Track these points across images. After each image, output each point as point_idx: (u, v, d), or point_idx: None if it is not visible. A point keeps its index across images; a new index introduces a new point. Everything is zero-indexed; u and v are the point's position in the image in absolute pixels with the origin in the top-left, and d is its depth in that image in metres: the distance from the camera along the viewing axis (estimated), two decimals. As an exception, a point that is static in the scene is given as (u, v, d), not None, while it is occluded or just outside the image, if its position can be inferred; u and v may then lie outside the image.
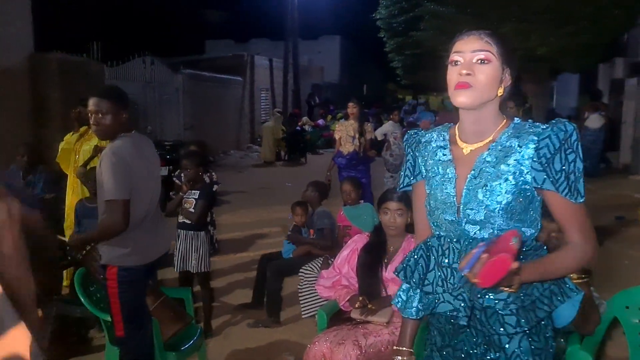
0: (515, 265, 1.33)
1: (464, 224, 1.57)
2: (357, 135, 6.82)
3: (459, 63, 1.55)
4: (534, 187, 1.52)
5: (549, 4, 9.41)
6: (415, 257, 1.70)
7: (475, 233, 1.56)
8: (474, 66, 1.52)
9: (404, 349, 1.79)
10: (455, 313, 1.59)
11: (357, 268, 3.11)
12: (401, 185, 1.81)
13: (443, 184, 1.63)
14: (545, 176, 1.48)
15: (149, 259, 2.90)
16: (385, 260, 3.06)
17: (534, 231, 1.57)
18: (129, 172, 2.72)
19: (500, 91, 1.56)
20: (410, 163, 1.77)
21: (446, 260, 1.63)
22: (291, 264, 4.54)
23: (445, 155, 1.67)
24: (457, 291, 1.57)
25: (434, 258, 1.66)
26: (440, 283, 1.62)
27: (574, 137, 1.49)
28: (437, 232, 1.67)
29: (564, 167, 1.47)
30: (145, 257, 2.87)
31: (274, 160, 15.39)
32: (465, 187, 1.58)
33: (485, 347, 1.59)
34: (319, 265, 4.31)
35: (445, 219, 1.61)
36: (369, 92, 32.41)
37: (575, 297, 1.60)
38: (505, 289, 1.42)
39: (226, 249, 6.42)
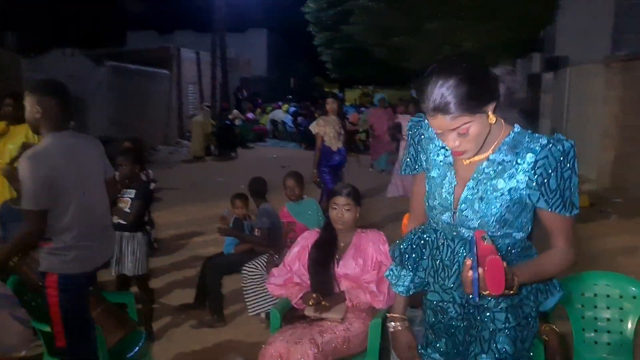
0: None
1: (459, 228, 1.63)
2: (342, 131, 6.78)
3: (440, 133, 1.52)
4: (530, 203, 1.58)
5: (475, 2, 9.75)
6: (412, 244, 1.77)
7: (469, 236, 1.61)
8: (458, 138, 1.50)
9: (397, 315, 1.88)
10: (443, 304, 1.70)
11: (308, 265, 3.09)
12: (402, 171, 1.85)
13: (442, 187, 1.66)
14: (540, 195, 1.54)
15: (91, 267, 2.76)
16: (337, 256, 3.05)
17: (523, 234, 1.64)
18: (50, 180, 2.53)
19: (492, 119, 1.51)
20: (412, 155, 1.78)
21: (440, 255, 1.70)
22: (233, 262, 4.45)
23: (447, 157, 1.68)
24: (447, 287, 1.68)
25: (429, 249, 1.74)
26: (432, 274, 1.72)
27: (571, 154, 1.51)
28: (434, 226, 1.74)
29: (559, 186, 1.52)
30: (87, 265, 2.72)
31: (204, 156, 15.08)
32: (462, 195, 1.61)
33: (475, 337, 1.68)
34: (264, 262, 4.25)
35: (442, 220, 1.67)
36: (297, 86, 32.41)
37: (557, 294, 1.69)
38: (508, 292, 1.45)
39: (162, 248, 6.23)
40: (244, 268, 4.22)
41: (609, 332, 2.72)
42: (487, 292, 1.38)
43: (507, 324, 1.61)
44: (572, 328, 2.77)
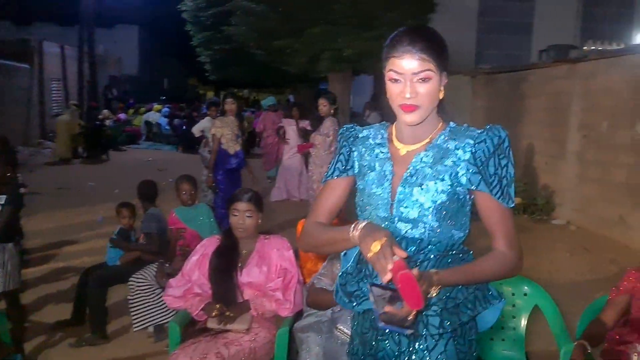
0: (415, 272, 1.35)
1: (396, 222, 1.56)
2: (240, 133, 6.51)
3: (399, 82, 1.52)
4: (468, 189, 1.55)
5: (353, 10, 10.01)
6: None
7: (406, 232, 1.56)
8: (415, 85, 1.50)
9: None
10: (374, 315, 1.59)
11: (209, 274, 2.93)
12: (328, 176, 1.73)
13: (379, 181, 1.62)
14: (480, 177, 1.52)
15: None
16: (240, 264, 2.93)
17: (462, 235, 1.59)
18: None
19: (441, 94, 1.56)
20: (344, 156, 1.72)
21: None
22: (118, 272, 4.13)
23: (383, 153, 1.65)
24: None
25: (358, 256, 1.66)
26: (364, 280, 1.61)
27: (507, 143, 1.54)
28: None
29: (497, 171, 1.52)
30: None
31: (71, 158, 14.05)
32: (400, 185, 1.57)
33: (410, 351, 1.57)
34: (153, 272, 3.99)
35: (377, 216, 1.59)
36: (170, 87, 31.38)
37: (497, 304, 1.63)
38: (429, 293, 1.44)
39: (29, 259, 5.64)
40: (131, 279, 3.93)
41: (502, 328, 2.87)
42: (410, 310, 1.34)
43: (441, 330, 1.53)
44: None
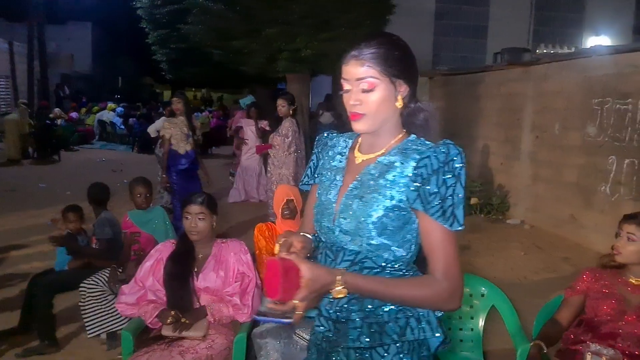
0: (300, 263, 1.34)
1: (337, 232, 1.53)
2: (190, 133, 6.37)
3: (348, 90, 1.50)
4: (409, 207, 1.46)
5: (311, 11, 9.97)
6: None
7: (346, 244, 1.52)
8: (361, 95, 1.48)
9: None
10: (314, 318, 1.56)
11: (164, 280, 2.84)
12: (301, 183, 1.78)
13: (329, 190, 1.60)
14: (417, 195, 1.43)
15: None
16: (195, 269, 2.86)
17: (404, 253, 1.50)
18: None
19: (399, 103, 1.51)
20: (314, 164, 1.74)
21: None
22: (67, 278, 3.98)
23: (341, 162, 1.64)
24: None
25: (315, 258, 1.64)
26: None
27: (458, 161, 1.43)
28: (320, 237, 1.63)
29: (440, 190, 1.41)
30: None
31: (21, 158, 13.56)
32: (344, 196, 1.54)
33: None
34: (105, 278, 3.86)
35: (323, 225, 1.57)
36: (125, 85, 30.74)
37: (431, 339, 1.50)
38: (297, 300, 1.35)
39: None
40: (82, 284, 3.79)
41: (461, 329, 2.89)
42: (275, 298, 1.31)
43: (358, 343, 1.46)
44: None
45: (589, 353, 2.29)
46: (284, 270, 1.31)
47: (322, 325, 1.55)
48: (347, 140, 1.69)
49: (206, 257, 2.89)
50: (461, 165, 1.43)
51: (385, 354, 1.49)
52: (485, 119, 9.20)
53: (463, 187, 1.42)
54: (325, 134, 1.77)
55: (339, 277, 1.38)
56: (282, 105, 6.93)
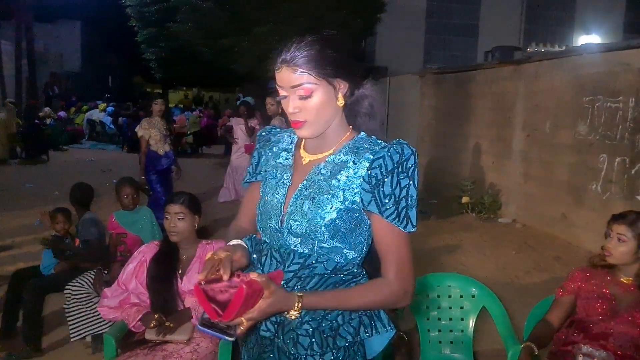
0: (266, 289, 1.28)
1: (285, 234, 1.46)
2: (168, 133, 6.45)
3: (285, 97, 1.42)
4: (362, 209, 1.42)
5: (301, 9, 9.94)
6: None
7: (295, 246, 1.45)
8: (298, 102, 1.41)
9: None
10: (263, 327, 1.48)
11: (147, 282, 2.78)
12: (243, 180, 1.69)
13: (276, 189, 1.52)
14: (372, 197, 1.39)
15: None
16: (180, 271, 2.79)
17: (356, 255, 1.47)
18: None
19: (341, 102, 1.45)
20: (255, 160, 1.66)
21: (261, 269, 1.51)
22: (54, 281, 3.90)
23: (287, 159, 1.56)
24: None
25: (253, 263, 1.55)
26: None
27: (411, 161, 1.41)
28: (264, 238, 1.56)
29: (394, 191, 1.39)
30: None
31: (8, 158, 13.42)
32: (293, 197, 1.47)
33: None
34: (90, 279, 3.79)
35: (269, 226, 1.50)
36: (115, 84, 30.52)
37: (384, 334, 1.49)
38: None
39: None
40: (67, 287, 3.71)
41: (451, 331, 2.84)
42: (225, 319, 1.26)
43: (310, 352, 1.41)
44: (418, 329, 2.85)
45: (581, 355, 2.25)
46: (248, 296, 1.24)
47: (269, 330, 1.48)
48: (291, 135, 1.62)
49: (190, 259, 2.82)
50: (414, 165, 1.41)
51: (299, 346, 1.44)
52: (476, 117, 9.18)
53: (416, 188, 1.42)
54: (267, 129, 1.69)
55: (298, 305, 1.34)
56: (271, 104, 6.88)
